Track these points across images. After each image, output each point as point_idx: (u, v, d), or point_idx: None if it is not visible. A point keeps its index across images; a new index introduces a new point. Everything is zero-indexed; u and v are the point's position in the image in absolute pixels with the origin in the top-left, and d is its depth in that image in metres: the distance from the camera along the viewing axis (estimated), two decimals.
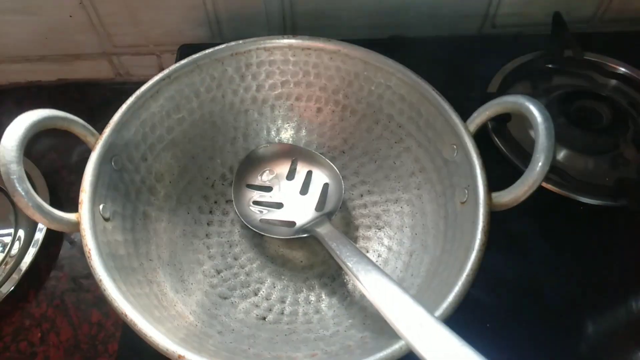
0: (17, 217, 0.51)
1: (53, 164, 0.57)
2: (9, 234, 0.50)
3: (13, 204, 0.52)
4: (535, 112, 0.33)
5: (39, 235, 0.49)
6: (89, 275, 0.47)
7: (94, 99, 0.65)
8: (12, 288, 0.46)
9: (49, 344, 0.45)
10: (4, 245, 0.49)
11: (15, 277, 0.47)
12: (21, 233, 0.50)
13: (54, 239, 0.50)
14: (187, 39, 0.62)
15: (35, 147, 0.58)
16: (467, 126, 0.38)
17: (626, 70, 0.57)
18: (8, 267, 0.47)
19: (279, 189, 0.45)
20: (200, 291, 0.39)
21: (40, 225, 0.49)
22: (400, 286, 0.31)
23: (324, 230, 0.38)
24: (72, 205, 0.53)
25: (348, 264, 0.34)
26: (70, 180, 0.56)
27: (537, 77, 0.58)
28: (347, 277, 0.42)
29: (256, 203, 0.45)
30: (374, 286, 0.32)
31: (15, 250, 0.49)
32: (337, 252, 0.35)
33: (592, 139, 0.50)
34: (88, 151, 0.38)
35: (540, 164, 0.32)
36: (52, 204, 0.50)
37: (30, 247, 0.48)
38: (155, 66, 0.66)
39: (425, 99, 0.41)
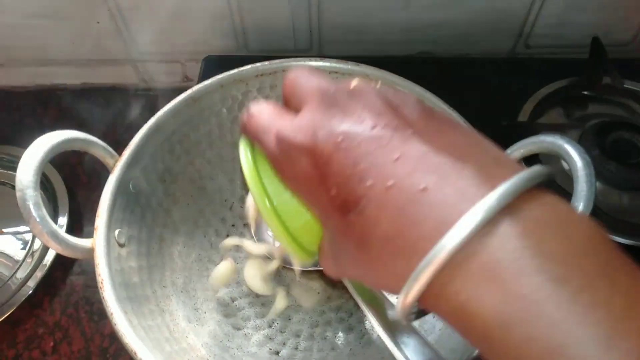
0: None
1: (73, 168, 0.57)
2: (29, 231, 0.50)
3: None
4: (575, 156, 0.31)
5: None
6: None
7: (118, 104, 0.65)
8: (31, 290, 0.46)
9: (61, 354, 0.45)
10: (25, 243, 0.50)
11: (39, 274, 0.47)
12: None
13: None
14: (213, 48, 0.61)
15: None
16: None
17: None
18: (32, 262, 0.48)
19: None
20: (213, 321, 0.39)
21: (60, 223, 0.50)
22: (423, 337, 0.29)
23: None
24: (90, 212, 0.53)
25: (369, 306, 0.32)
26: (90, 184, 0.56)
27: (571, 104, 0.55)
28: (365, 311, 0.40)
29: None
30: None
31: (37, 245, 0.49)
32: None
33: (628, 173, 0.47)
34: None
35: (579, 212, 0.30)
36: (71, 211, 0.52)
37: (48, 250, 0.48)
38: (180, 74, 0.66)
39: None
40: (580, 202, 0.30)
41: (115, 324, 0.29)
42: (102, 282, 0.30)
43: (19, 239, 0.51)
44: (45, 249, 0.48)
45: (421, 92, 0.42)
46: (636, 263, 0.46)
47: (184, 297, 0.38)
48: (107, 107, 0.65)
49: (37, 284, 0.46)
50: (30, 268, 0.47)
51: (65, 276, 0.49)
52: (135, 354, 0.28)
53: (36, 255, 0.48)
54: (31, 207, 0.29)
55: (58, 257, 0.48)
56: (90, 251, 0.32)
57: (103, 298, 0.30)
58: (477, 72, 0.60)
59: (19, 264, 0.48)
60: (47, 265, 0.47)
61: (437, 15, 0.58)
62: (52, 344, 0.46)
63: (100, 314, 0.47)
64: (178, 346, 0.33)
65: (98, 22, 0.58)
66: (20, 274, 0.47)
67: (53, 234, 0.30)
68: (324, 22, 0.59)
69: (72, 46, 0.62)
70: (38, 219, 0.29)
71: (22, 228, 0.51)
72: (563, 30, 0.60)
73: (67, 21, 0.58)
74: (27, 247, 0.49)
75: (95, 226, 0.32)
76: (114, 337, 0.46)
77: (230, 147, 0.45)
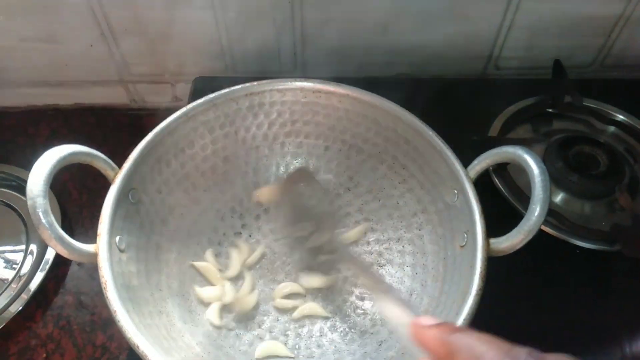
0: (29, 237, 0.53)
1: (65, 185, 0.58)
2: (20, 250, 0.51)
3: (25, 224, 0.54)
4: (532, 164, 0.35)
5: (49, 256, 0.50)
6: (95, 297, 0.49)
7: (109, 124, 0.67)
8: (20, 308, 0.47)
9: None
10: (15, 264, 0.50)
11: (24, 296, 0.48)
12: (33, 248, 0.51)
13: (63, 259, 0.51)
14: (202, 70, 0.64)
15: None
16: (467, 172, 0.40)
17: (624, 118, 0.59)
18: (18, 286, 0.48)
19: None
20: (207, 322, 0.41)
21: None
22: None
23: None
24: (81, 226, 0.55)
25: None
26: (80, 200, 0.57)
27: (537, 121, 0.60)
28: (348, 311, 0.43)
29: None
30: None
31: (25, 269, 0.50)
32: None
33: (589, 184, 0.51)
34: (99, 173, 0.39)
35: (536, 214, 0.34)
36: (63, 227, 0.53)
37: (40, 266, 0.49)
38: (170, 94, 0.69)
39: (429, 145, 0.43)
40: (537, 205, 0.34)
41: (118, 321, 0.31)
42: (105, 284, 0.33)
43: (5, 259, 0.51)
44: (33, 272, 0.49)
45: (398, 111, 0.45)
46: (595, 266, 0.48)
47: (179, 300, 0.41)
48: (98, 127, 0.67)
49: (29, 299, 0.47)
50: (15, 292, 0.48)
51: (58, 289, 0.50)
52: (137, 347, 0.30)
53: (21, 281, 0.49)
54: (40, 214, 0.32)
55: (50, 271, 0.49)
56: (94, 255, 0.34)
57: (107, 297, 0.32)
58: (451, 91, 0.63)
59: (7, 284, 0.49)
60: (33, 289, 0.48)
61: (413, 39, 0.62)
62: (44, 355, 0.46)
63: (92, 325, 0.48)
64: (175, 344, 0.35)
65: (91, 46, 0.61)
66: (7, 294, 0.48)
67: (60, 239, 0.32)
68: (307, 46, 0.62)
69: (65, 68, 0.64)
70: (47, 225, 0.32)
71: (8, 247, 0.52)
72: (530, 54, 0.65)
73: (61, 44, 0.61)
74: (16, 270, 0.50)
75: (98, 233, 0.35)
76: (106, 347, 0.47)
77: (222, 161, 0.48)
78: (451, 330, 0.23)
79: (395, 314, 0.30)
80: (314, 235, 0.42)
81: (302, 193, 0.44)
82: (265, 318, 0.43)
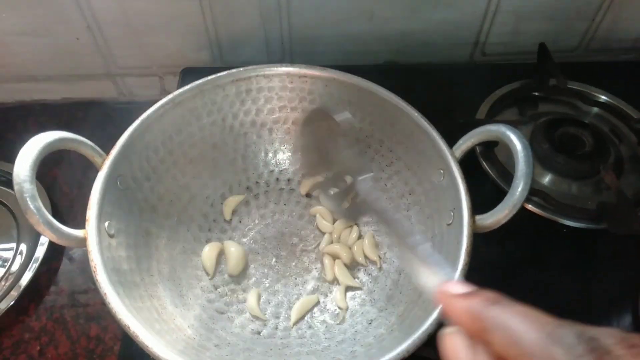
0: (20, 233, 0.52)
1: (54, 178, 0.58)
2: (10, 249, 0.51)
3: (16, 219, 0.54)
4: (515, 140, 0.35)
5: (40, 251, 0.50)
6: (88, 290, 0.49)
7: (97, 118, 0.67)
8: (11, 303, 0.47)
9: (48, 358, 0.46)
10: (5, 261, 0.50)
11: (14, 293, 0.48)
12: (23, 247, 0.51)
13: (54, 254, 0.51)
14: (189, 61, 0.64)
15: None
16: (453, 152, 0.40)
17: (607, 99, 0.60)
18: (7, 283, 0.48)
19: None
20: (198, 306, 0.41)
21: (42, 241, 0.51)
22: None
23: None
24: (72, 219, 0.55)
25: None
26: (71, 194, 0.57)
27: (524, 104, 0.60)
28: (338, 293, 0.44)
29: None
30: None
31: (16, 266, 0.50)
32: None
33: (575, 164, 0.52)
34: (88, 166, 0.39)
35: (519, 189, 0.35)
36: (54, 216, 0.53)
37: (31, 262, 0.49)
38: (158, 87, 0.68)
39: (415, 126, 0.43)
40: (521, 180, 0.34)
41: (109, 303, 0.32)
42: (95, 267, 0.33)
43: None
44: (24, 268, 0.49)
45: (384, 93, 0.46)
46: (582, 244, 0.49)
47: (170, 284, 0.41)
48: (87, 121, 0.66)
49: (20, 294, 0.47)
50: (5, 289, 0.48)
51: (50, 283, 0.50)
52: (128, 328, 0.30)
53: (11, 279, 0.49)
54: (28, 199, 0.32)
55: (43, 265, 0.49)
56: (83, 240, 0.34)
57: (96, 280, 0.32)
58: (439, 77, 0.64)
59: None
60: (23, 285, 0.48)
61: (399, 26, 0.62)
62: (38, 348, 0.47)
63: (86, 317, 0.48)
64: (167, 326, 0.36)
65: (77, 39, 0.61)
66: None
67: (49, 224, 0.32)
68: (295, 34, 0.62)
69: (52, 62, 0.64)
70: (35, 210, 0.32)
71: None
72: (516, 39, 0.65)
73: (47, 38, 0.60)
74: (6, 267, 0.50)
75: (86, 217, 0.35)
76: (100, 339, 0.47)
77: (210, 147, 0.49)
78: (486, 301, 0.20)
79: (422, 275, 0.26)
80: (334, 181, 0.39)
81: (320, 136, 0.40)
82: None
